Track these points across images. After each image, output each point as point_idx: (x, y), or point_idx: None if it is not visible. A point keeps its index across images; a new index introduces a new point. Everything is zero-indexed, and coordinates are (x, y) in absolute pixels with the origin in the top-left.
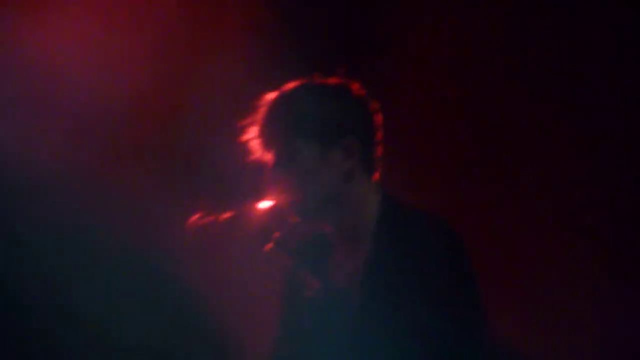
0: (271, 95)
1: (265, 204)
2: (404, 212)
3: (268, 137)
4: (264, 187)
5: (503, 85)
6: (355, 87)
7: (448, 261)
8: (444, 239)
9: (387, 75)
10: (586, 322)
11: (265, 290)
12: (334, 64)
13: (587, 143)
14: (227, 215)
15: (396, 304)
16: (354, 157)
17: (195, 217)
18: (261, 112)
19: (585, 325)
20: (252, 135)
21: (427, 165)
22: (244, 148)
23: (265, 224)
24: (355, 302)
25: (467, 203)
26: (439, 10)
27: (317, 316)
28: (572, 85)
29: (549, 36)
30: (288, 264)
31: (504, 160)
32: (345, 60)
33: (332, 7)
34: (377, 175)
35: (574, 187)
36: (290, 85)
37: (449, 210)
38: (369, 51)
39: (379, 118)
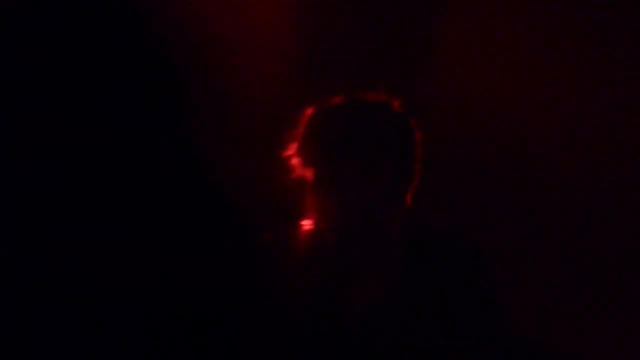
0: (311, 111)
1: (304, 223)
2: (431, 234)
3: (308, 155)
4: (304, 204)
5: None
6: (396, 104)
7: (470, 283)
8: (467, 261)
9: (427, 91)
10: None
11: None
12: (375, 80)
13: None
14: (268, 235)
15: (420, 325)
16: (394, 177)
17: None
18: (301, 128)
19: None
20: (292, 152)
21: (463, 184)
22: (284, 164)
23: (304, 243)
24: (377, 322)
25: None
26: (479, 27)
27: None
28: None
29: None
30: (320, 283)
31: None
32: (386, 76)
33: (371, 22)
34: (409, 195)
35: None
36: (331, 100)
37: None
38: (409, 67)
39: (418, 136)
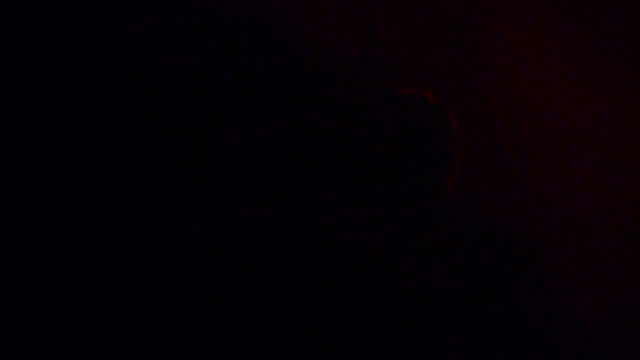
0: (352, 111)
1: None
2: (473, 224)
3: (350, 155)
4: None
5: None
6: (430, 96)
7: (515, 276)
8: (511, 253)
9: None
10: None
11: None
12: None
13: None
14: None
15: (466, 315)
16: (435, 169)
17: None
18: (344, 129)
19: None
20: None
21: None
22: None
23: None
24: (423, 312)
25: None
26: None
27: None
28: None
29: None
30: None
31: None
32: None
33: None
34: (450, 184)
35: None
36: (368, 99)
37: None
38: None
39: (454, 125)
